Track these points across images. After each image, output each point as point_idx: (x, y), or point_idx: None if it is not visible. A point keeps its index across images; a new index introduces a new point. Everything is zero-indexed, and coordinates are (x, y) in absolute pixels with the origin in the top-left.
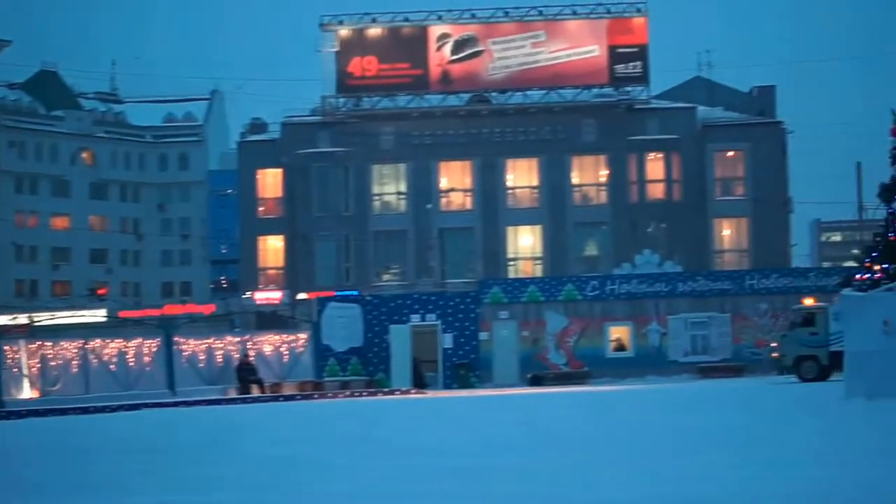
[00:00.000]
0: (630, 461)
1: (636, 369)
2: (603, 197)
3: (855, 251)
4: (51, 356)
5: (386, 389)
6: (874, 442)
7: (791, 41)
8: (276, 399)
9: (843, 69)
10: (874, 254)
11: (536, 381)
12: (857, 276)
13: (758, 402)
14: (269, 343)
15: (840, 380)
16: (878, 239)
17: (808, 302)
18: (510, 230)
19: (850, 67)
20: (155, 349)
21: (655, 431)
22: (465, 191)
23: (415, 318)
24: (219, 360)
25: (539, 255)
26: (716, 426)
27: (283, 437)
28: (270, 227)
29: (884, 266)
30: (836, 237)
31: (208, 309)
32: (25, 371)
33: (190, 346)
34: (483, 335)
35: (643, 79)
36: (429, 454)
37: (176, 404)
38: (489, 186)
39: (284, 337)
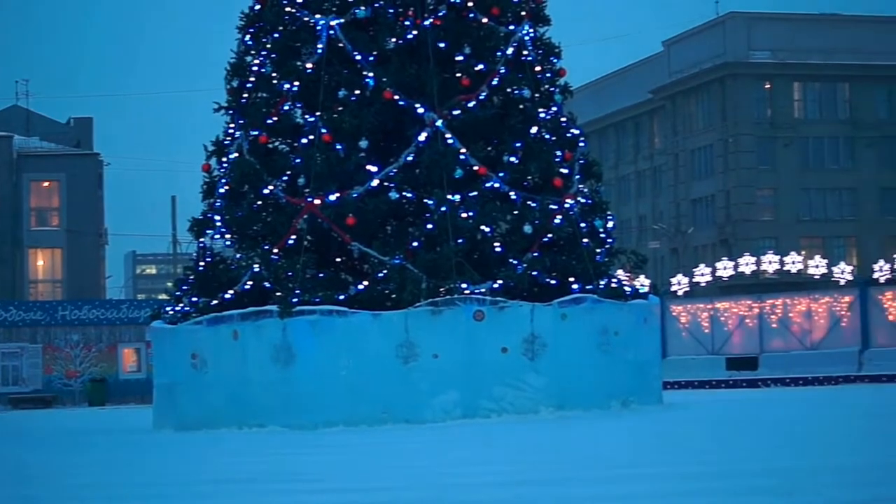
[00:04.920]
0: None
1: None
2: None
3: (169, 284)
4: None
5: None
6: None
7: (112, 74)
8: None
9: (159, 104)
10: (185, 287)
11: None
12: (169, 309)
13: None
14: None
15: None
16: (189, 272)
17: None
18: None
19: (166, 103)
20: None
21: None
22: None
23: None
24: None
25: None
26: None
27: None
28: None
29: (193, 299)
30: (152, 270)
31: None
32: None
33: None
34: None
35: None
36: None
37: None
38: None
39: None
